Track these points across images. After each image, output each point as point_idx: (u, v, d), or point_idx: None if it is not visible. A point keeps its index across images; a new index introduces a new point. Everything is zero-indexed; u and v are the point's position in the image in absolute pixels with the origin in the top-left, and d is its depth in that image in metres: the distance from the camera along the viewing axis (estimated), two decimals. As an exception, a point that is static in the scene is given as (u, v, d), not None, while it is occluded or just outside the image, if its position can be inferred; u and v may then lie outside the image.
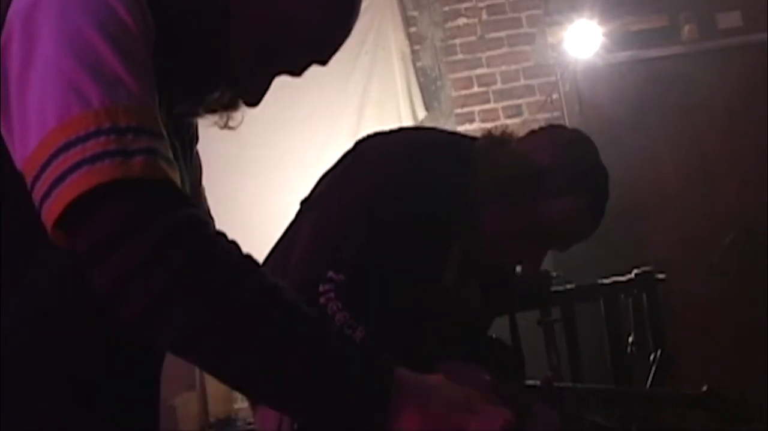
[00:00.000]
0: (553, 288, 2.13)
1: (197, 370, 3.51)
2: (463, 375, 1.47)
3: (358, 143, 1.65)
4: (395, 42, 4.37)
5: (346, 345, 0.89)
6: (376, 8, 4.29)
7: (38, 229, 0.83)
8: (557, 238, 1.62)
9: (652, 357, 2.06)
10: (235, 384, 0.88)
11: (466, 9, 4.51)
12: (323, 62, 1.06)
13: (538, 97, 4.43)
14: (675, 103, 4.32)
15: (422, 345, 1.51)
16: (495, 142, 1.64)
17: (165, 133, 0.89)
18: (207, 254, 0.83)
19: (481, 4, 4.51)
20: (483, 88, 4.48)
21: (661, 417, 1.98)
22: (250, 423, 3.49)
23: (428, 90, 4.43)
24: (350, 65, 4.25)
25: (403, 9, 4.45)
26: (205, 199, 1.23)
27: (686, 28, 4.37)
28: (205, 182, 1.24)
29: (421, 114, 4.34)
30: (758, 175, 4.18)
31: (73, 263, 0.84)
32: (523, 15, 4.51)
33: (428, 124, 4.35)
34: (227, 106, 1.06)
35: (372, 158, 1.60)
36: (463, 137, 1.78)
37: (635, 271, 2.11)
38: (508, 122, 4.43)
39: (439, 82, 4.47)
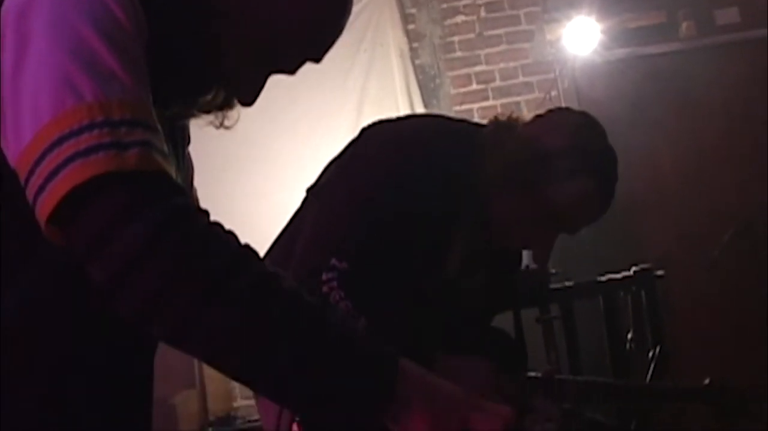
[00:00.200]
0: (552, 285, 2.13)
1: (197, 368, 3.51)
2: (465, 369, 1.47)
3: (364, 130, 1.65)
4: (394, 39, 4.36)
5: (350, 334, 0.89)
6: (375, 6, 4.29)
7: (36, 226, 0.83)
8: (567, 221, 1.61)
9: (650, 354, 2.07)
10: (236, 375, 0.87)
11: (464, 6, 4.51)
12: (317, 60, 1.06)
13: (536, 94, 4.43)
14: (673, 100, 4.32)
15: (425, 334, 1.51)
16: (502, 127, 1.63)
17: (159, 128, 0.89)
18: (203, 244, 0.83)
19: (480, 2, 4.51)
20: (482, 86, 4.48)
21: (660, 417, 1.98)
22: (249, 421, 3.49)
23: (427, 87, 4.43)
24: (348, 63, 4.25)
25: (401, 6, 4.44)
26: (197, 200, 1.23)
27: (684, 24, 4.37)
28: (201, 180, 1.24)
29: (420, 111, 4.34)
30: (757, 171, 4.18)
31: (69, 260, 0.83)
32: (522, 12, 4.51)
33: (427, 121, 4.35)
34: (222, 106, 1.06)
35: (377, 146, 1.59)
36: (469, 123, 1.77)
37: (634, 268, 2.11)
38: (507, 119, 4.43)
39: (437, 80, 4.47)
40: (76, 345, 0.94)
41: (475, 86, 4.48)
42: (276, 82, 1.07)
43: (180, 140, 1.14)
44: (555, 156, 1.57)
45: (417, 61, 4.44)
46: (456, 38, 4.51)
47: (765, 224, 4.14)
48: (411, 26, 4.48)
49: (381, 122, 1.67)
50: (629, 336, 2.09)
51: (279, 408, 1.45)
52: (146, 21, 0.92)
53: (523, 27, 4.50)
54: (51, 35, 0.85)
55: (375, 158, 1.57)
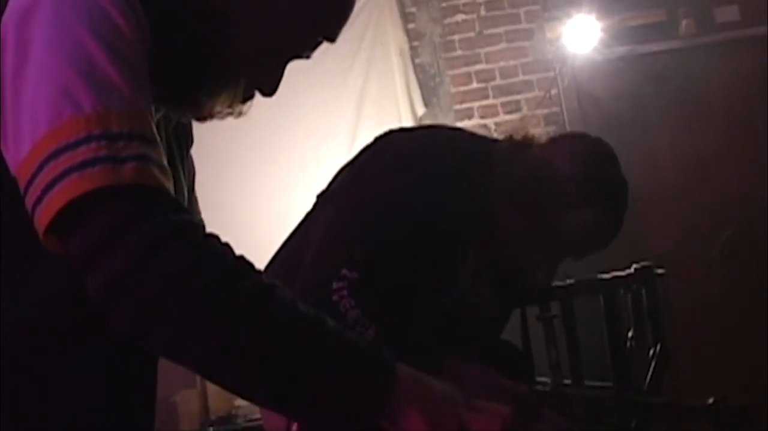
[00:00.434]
0: (553, 283, 2.13)
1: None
2: (474, 377, 1.47)
3: (378, 139, 1.64)
4: (393, 38, 4.36)
5: (346, 342, 0.88)
6: (374, 5, 4.29)
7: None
8: (573, 247, 1.61)
9: (651, 352, 2.06)
10: (232, 386, 0.87)
11: (464, 5, 4.51)
12: (332, 39, 1.05)
13: (536, 92, 4.43)
14: (673, 98, 4.33)
15: (434, 346, 1.51)
16: (516, 146, 1.62)
17: (163, 136, 0.88)
18: (198, 260, 0.83)
19: (480, 0, 4.50)
20: (482, 84, 4.48)
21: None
22: (250, 421, 3.49)
23: (427, 86, 4.43)
24: (348, 62, 4.25)
25: (401, 5, 4.44)
26: (196, 203, 1.23)
27: (684, 22, 4.37)
28: (201, 180, 1.24)
29: (420, 110, 4.34)
30: (757, 169, 4.18)
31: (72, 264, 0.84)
32: (522, 11, 4.51)
33: (427, 120, 4.35)
34: (244, 98, 1.04)
35: (391, 157, 1.58)
36: (483, 138, 1.75)
37: (635, 266, 2.11)
38: (507, 117, 4.43)
39: (437, 79, 4.47)
40: (81, 347, 0.94)
41: (475, 85, 4.48)
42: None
43: (184, 141, 1.14)
44: (566, 182, 1.56)
45: (417, 60, 4.44)
46: (456, 37, 4.50)
47: (765, 222, 4.14)
48: (411, 25, 4.48)
49: (396, 131, 1.67)
50: (630, 334, 2.08)
51: None
52: (148, 21, 0.92)
53: (523, 25, 4.50)
54: (51, 43, 0.85)
55: (389, 169, 1.55)
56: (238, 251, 0.88)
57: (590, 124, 4.27)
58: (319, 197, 1.65)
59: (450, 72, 4.48)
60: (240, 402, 3.77)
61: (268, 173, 4.16)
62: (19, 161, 0.83)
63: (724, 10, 4.42)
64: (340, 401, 0.86)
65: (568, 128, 4.33)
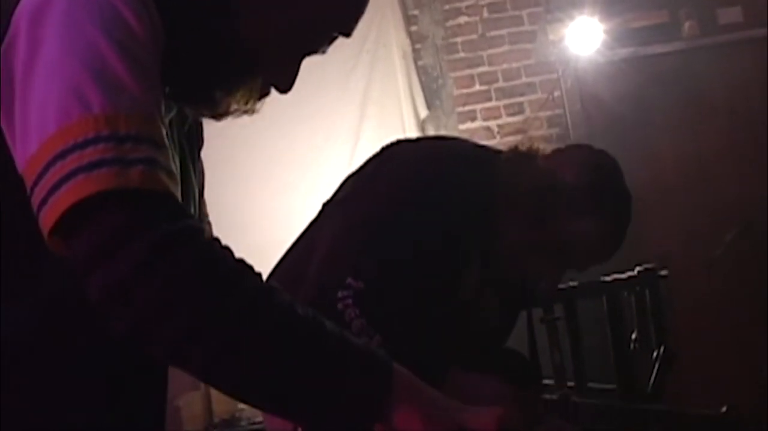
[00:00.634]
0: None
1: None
2: (474, 385, 1.47)
3: (385, 149, 1.64)
4: (396, 41, 4.36)
5: (344, 343, 0.89)
6: (377, 7, 4.29)
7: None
8: (576, 259, 1.61)
9: (654, 354, 2.06)
10: (231, 391, 0.87)
11: (467, 7, 4.51)
12: (348, 34, 1.04)
13: (539, 94, 4.43)
14: (676, 100, 4.32)
15: (439, 355, 1.51)
16: (521, 156, 1.62)
17: (175, 137, 0.88)
18: (201, 267, 0.82)
19: (482, 2, 4.51)
20: (484, 87, 4.48)
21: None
22: (253, 423, 3.49)
23: (430, 89, 4.43)
24: (351, 64, 4.25)
25: (403, 7, 4.44)
26: (204, 206, 1.22)
27: (687, 24, 4.37)
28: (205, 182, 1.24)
29: (423, 113, 4.34)
30: (759, 170, 4.18)
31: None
32: (524, 12, 4.51)
33: (430, 122, 4.35)
34: (260, 95, 1.04)
35: (398, 167, 1.59)
36: (487, 149, 1.76)
37: (638, 268, 2.11)
38: (510, 119, 4.43)
39: (440, 81, 4.47)
40: (82, 348, 0.94)
41: (478, 87, 4.48)
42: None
43: (195, 142, 1.14)
44: (569, 192, 1.56)
45: (419, 63, 4.45)
46: (459, 39, 4.51)
47: (767, 223, 4.13)
48: (413, 28, 4.49)
49: (403, 142, 1.68)
50: (633, 336, 2.08)
51: None
52: (162, 23, 0.91)
53: (526, 27, 4.50)
54: (62, 41, 0.84)
55: (395, 179, 1.56)
56: (240, 253, 0.88)
57: (593, 125, 4.27)
58: (324, 205, 1.66)
59: (453, 74, 4.48)
60: (243, 404, 3.77)
61: (270, 174, 4.16)
62: (26, 159, 0.83)
63: (727, 12, 4.42)
64: (340, 401, 0.86)
65: (571, 130, 4.33)
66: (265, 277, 0.89)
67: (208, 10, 0.96)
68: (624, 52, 4.28)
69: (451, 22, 4.51)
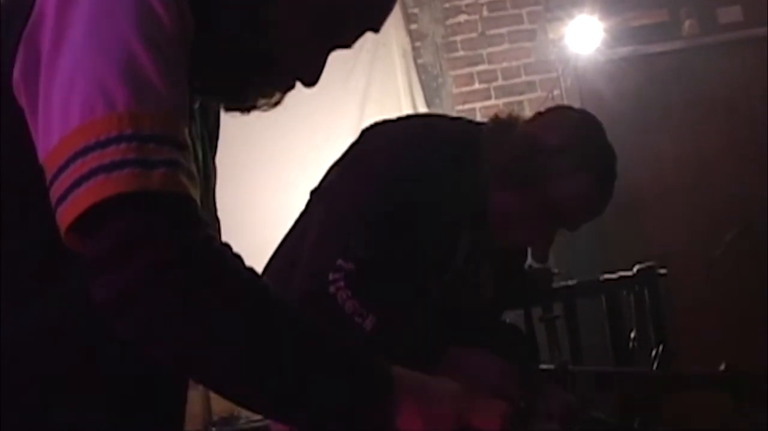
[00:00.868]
0: (555, 285, 2.13)
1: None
2: (474, 360, 1.48)
3: (365, 132, 1.66)
4: (396, 39, 4.36)
5: (344, 346, 0.89)
6: (377, 6, 4.28)
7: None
8: (567, 217, 1.62)
9: (654, 353, 2.06)
10: (234, 398, 0.87)
11: (466, 6, 4.51)
12: (376, 29, 1.03)
13: (539, 93, 4.43)
14: (676, 99, 4.32)
15: (434, 331, 1.52)
16: (502, 125, 1.65)
17: (198, 130, 0.86)
18: (211, 279, 0.82)
19: (482, 1, 4.51)
20: (484, 85, 4.48)
21: (664, 416, 1.97)
22: (252, 421, 3.49)
23: (429, 87, 4.43)
24: (351, 63, 4.25)
25: (403, 6, 4.44)
26: (215, 207, 1.22)
27: (687, 23, 4.37)
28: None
29: (423, 111, 4.34)
30: (759, 169, 4.17)
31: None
32: (524, 11, 4.51)
33: (429, 121, 4.35)
34: (286, 88, 1.03)
35: (379, 146, 1.60)
36: (470, 122, 1.78)
37: (637, 267, 2.11)
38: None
39: (440, 79, 4.47)
40: (83, 349, 0.94)
41: (477, 85, 4.48)
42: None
43: (215, 136, 1.13)
44: (554, 153, 1.58)
45: (419, 61, 4.45)
46: (458, 37, 4.51)
47: (766, 223, 4.13)
48: (413, 26, 4.49)
49: (381, 123, 1.69)
50: (632, 334, 2.08)
51: None
52: (192, 15, 0.89)
53: (526, 26, 4.51)
54: (90, 32, 0.82)
55: (377, 158, 1.57)
56: (240, 252, 0.88)
57: (593, 124, 4.26)
58: (312, 193, 1.67)
59: (452, 73, 4.48)
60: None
61: (270, 173, 4.16)
62: (47, 152, 0.81)
63: (727, 11, 4.42)
64: (342, 403, 0.86)
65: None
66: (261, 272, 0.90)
67: (239, 3, 0.95)
68: (624, 51, 4.28)
69: (450, 21, 4.51)
